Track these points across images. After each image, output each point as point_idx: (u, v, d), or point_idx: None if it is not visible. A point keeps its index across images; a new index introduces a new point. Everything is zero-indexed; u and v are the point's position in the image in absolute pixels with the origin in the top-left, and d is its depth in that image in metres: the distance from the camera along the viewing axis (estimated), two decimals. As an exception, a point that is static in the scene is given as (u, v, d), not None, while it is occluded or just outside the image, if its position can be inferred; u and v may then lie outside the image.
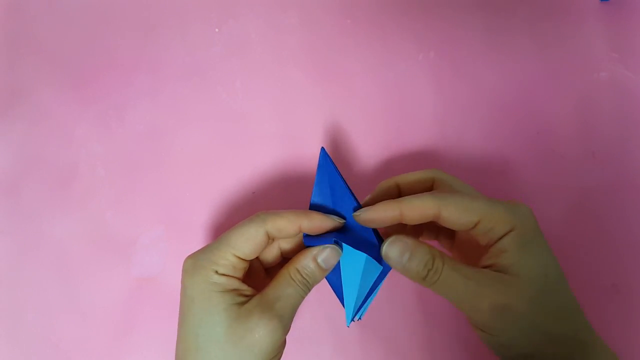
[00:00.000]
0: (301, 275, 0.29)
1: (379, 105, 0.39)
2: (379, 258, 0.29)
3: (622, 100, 0.38)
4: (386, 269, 0.30)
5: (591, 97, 0.39)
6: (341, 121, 0.39)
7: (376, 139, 0.39)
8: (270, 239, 0.29)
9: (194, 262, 0.28)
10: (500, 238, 0.27)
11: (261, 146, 0.39)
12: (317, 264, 0.29)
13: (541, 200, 0.37)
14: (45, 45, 0.42)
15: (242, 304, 0.28)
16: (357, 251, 0.29)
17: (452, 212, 0.28)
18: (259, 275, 0.32)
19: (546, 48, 0.40)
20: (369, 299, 0.31)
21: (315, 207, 0.31)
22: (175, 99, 0.40)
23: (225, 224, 0.38)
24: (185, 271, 0.29)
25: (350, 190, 0.31)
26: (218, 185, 0.38)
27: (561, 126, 0.38)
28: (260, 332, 0.27)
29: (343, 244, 0.30)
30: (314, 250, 0.29)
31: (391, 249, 0.28)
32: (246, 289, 0.29)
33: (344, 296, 0.30)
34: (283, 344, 0.29)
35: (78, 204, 0.38)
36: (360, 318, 0.31)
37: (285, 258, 0.32)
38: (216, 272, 0.28)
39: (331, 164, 0.31)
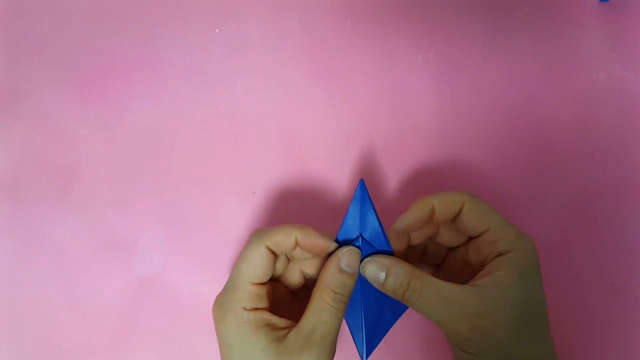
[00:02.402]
0: (333, 291, 0.28)
1: (379, 105, 0.39)
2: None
3: (621, 101, 0.39)
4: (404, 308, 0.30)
5: (590, 97, 0.39)
6: (341, 121, 0.39)
7: (376, 139, 0.39)
8: (274, 255, 0.29)
9: (220, 307, 0.28)
10: (499, 255, 0.28)
11: (261, 146, 0.39)
12: (344, 271, 0.28)
13: (540, 200, 0.37)
14: (46, 46, 0.42)
15: (280, 339, 0.27)
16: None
17: (473, 211, 0.29)
18: (286, 302, 0.31)
19: (545, 48, 0.40)
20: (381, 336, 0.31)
21: (341, 242, 0.30)
22: (176, 99, 0.40)
23: (226, 224, 0.38)
24: (217, 320, 0.28)
25: (384, 233, 0.30)
26: (218, 185, 0.38)
27: (560, 126, 0.38)
28: None
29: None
30: (335, 260, 0.29)
31: (367, 268, 0.29)
32: (278, 320, 0.28)
33: (364, 331, 0.30)
34: None
35: (79, 204, 0.38)
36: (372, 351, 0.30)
37: (311, 282, 0.32)
38: (244, 308, 0.27)
39: (368, 197, 0.30)
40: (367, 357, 0.30)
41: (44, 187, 0.39)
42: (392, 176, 0.38)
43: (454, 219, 0.30)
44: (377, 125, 0.39)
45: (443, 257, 0.33)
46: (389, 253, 0.30)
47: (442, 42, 0.40)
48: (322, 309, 0.27)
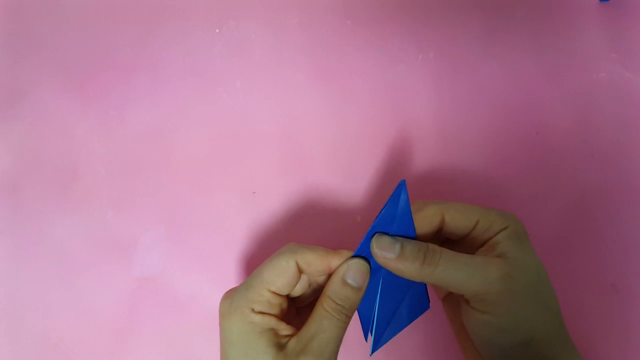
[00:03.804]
0: (334, 302, 0.27)
1: (379, 105, 0.39)
2: (423, 298, 0.30)
3: (621, 101, 0.39)
4: (424, 308, 0.31)
5: (590, 97, 0.39)
6: (341, 121, 0.39)
7: (376, 140, 0.39)
8: (300, 272, 0.28)
9: (231, 302, 0.28)
10: (496, 234, 0.29)
11: (261, 146, 0.39)
12: (348, 284, 0.27)
13: (540, 200, 0.37)
14: (46, 45, 0.42)
15: (281, 346, 0.27)
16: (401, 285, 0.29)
17: (455, 215, 0.29)
18: (292, 318, 0.31)
19: (545, 48, 0.40)
20: (394, 333, 0.30)
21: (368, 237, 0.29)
22: (176, 99, 0.40)
23: (225, 224, 0.38)
24: (223, 314, 0.28)
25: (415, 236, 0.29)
26: (218, 185, 0.38)
27: (560, 126, 0.38)
28: None
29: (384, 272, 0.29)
30: (340, 272, 0.28)
31: (379, 243, 0.27)
32: (284, 327, 0.28)
33: (375, 326, 0.29)
34: None
35: (78, 204, 0.38)
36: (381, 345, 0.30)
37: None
38: (252, 310, 0.27)
39: (408, 202, 0.28)
40: (372, 353, 0.30)
41: (44, 187, 0.39)
42: (392, 176, 0.38)
43: (440, 229, 0.30)
44: (377, 125, 0.39)
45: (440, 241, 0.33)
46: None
47: (442, 42, 0.40)
48: (322, 318, 0.27)
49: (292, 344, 0.27)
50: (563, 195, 0.37)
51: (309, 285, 0.31)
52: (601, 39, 0.40)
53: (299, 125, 0.39)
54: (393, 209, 0.28)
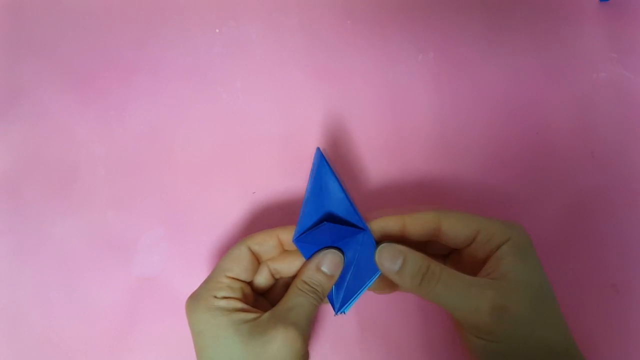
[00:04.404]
0: (309, 285, 0.29)
1: (379, 105, 0.39)
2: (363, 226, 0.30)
3: (621, 101, 0.39)
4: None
5: (590, 97, 0.39)
6: (341, 122, 0.39)
7: (376, 140, 0.39)
8: (257, 259, 0.30)
9: (192, 298, 0.29)
10: (498, 248, 0.28)
11: (261, 146, 0.39)
12: (322, 272, 0.29)
13: (540, 200, 0.37)
14: (46, 46, 0.42)
15: (254, 319, 0.27)
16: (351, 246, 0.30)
17: (453, 224, 0.28)
18: (253, 303, 0.31)
19: (545, 48, 0.40)
20: (357, 295, 0.30)
21: (308, 212, 0.30)
22: (176, 99, 0.40)
23: (226, 224, 0.38)
24: (188, 311, 0.28)
25: (347, 194, 0.30)
26: (218, 185, 0.38)
27: (560, 126, 0.38)
28: (279, 343, 0.26)
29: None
30: (315, 260, 0.29)
31: (382, 254, 0.28)
32: (250, 308, 0.28)
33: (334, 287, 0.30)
34: (306, 356, 0.28)
35: (79, 204, 0.38)
36: (344, 311, 0.30)
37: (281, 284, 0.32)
38: (215, 296, 0.28)
39: (327, 165, 0.30)
40: (337, 312, 0.30)
41: (44, 187, 0.39)
42: (392, 176, 0.38)
43: (436, 236, 0.30)
44: (377, 125, 0.39)
45: (443, 257, 0.33)
46: (363, 225, 0.30)
47: (442, 42, 0.40)
48: (297, 295, 0.28)
49: (267, 316, 0.27)
50: (563, 195, 0.37)
51: (272, 276, 0.32)
52: (601, 39, 0.40)
53: (299, 125, 0.39)
54: (317, 178, 0.30)
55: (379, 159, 0.38)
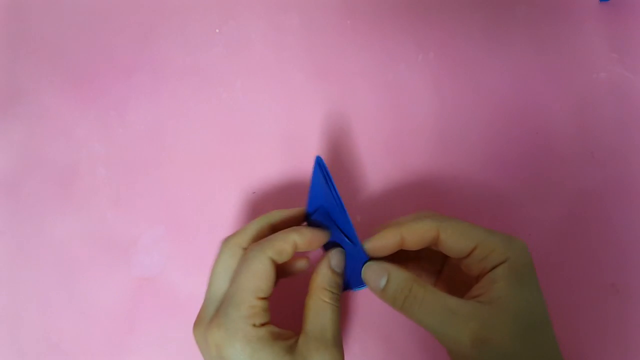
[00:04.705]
0: (329, 291, 0.28)
1: (379, 105, 0.39)
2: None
3: (621, 101, 0.39)
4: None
5: (590, 97, 0.39)
6: (341, 122, 0.39)
7: (375, 140, 0.39)
8: (275, 265, 0.28)
9: (223, 328, 0.26)
10: (493, 268, 0.27)
11: (261, 146, 0.39)
12: (334, 271, 0.29)
13: (540, 200, 0.37)
14: (46, 45, 0.42)
15: (292, 348, 0.26)
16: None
17: (451, 236, 0.27)
18: None
19: (545, 48, 0.40)
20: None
21: (313, 218, 0.31)
22: (176, 99, 0.40)
23: (225, 224, 0.38)
24: (217, 345, 0.26)
25: (344, 210, 0.29)
26: (218, 185, 0.38)
27: (560, 126, 0.38)
28: None
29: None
30: (326, 262, 0.29)
31: (368, 272, 0.28)
32: (283, 331, 0.27)
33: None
34: None
35: (78, 204, 0.38)
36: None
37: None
38: (254, 325, 0.26)
39: (324, 176, 0.29)
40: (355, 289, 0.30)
41: (44, 187, 0.39)
42: (393, 176, 0.38)
43: (435, 245, 0.29)
44: (377, 125, 0.39)
45: (441, 263, 0.32)
46: (355, 239, 0.29)
47: (442, 42, 0.40)
48: (324, 310, 0.27)
49: (302, 343, 0.26)
50: (563, 195, 0.37)
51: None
52: (601, 39, 0.40)
53: (299, 125, 0.39)
54: (316, 185, 0.30)
55: (379, 159, 0.38)
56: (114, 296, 0.37)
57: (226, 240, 0.29)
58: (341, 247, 0.30)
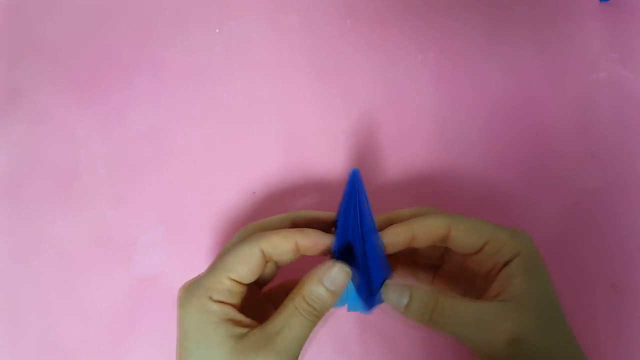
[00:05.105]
0: (307, 303, 0.26)
1: (379, 105, 0.39)
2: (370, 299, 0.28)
3: (621, 101, 0.39)
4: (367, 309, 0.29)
5: (590, 97, 0.39)
6: (340, 121, 0.39)
7: (376, 140, 0.39)
8: (266, 259, 0.27)
9: (187, 291, 0.26)
10: (507, 263, 0.27)
11: (261, 146, 0.39)
12: (325, 287, 0.26)
13: (540, 200, 0.37)
14: (46, 46, 0.42)
15: (240, 337, 0.25)
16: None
17: (462, 232, 0.27)
18: (257, 302, 0.30)
19: (545, 48, 0.40)
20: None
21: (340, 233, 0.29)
22: (176, 100, 0.40)
23: (225, 224, 0.38)
24: (179, 303, 0.26)
25: (374, 225, 0.29)
26: (218, 185, 0.38)
27: (560, 126, 0.38)
28: None
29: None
30: (319, 272, 0.26)
31: (388, 293, 0.27)
32: (243, 318, 0.26)
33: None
34: None
35: (79, 204, 0.38)
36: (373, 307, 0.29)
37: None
38: (210, 298, 0.26)
39: (359, 192, 0.29)
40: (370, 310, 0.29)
41: (44, 187, 0.39)
42: (392, 176, 0.38)
43: (444, 242, 0.29)
44: (377, 125, 0.39)
45: (439, 259, 0.32)
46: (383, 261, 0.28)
47: (443, 42, 0.40)
48: (291, 316, 0.26)
49: (254, 336, 0.25)
50: (563, 195, 0.37)
51: (276, 266, 0.30)
52: (601, 39, 0.40)
53: (299, 125, 0.39)
54: (351, 196, 0.28)
55: (379, 158, 0.38)
56: (114, 296, 0.37)
57: (245, 227, 0.29)
58: (348, 264, 0.28)
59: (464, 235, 0.27)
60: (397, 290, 0.27)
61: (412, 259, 0.33)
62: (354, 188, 0.29)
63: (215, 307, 0.26)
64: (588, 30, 0.40)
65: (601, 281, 0.36)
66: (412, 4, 0.41)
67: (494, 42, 0.40)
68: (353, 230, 0.28)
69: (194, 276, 0.28)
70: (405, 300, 0.27)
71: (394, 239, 0.28)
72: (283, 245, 0.27)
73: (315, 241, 0.28)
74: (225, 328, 0.25)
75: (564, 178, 0.37)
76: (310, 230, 0.28)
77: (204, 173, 0.39)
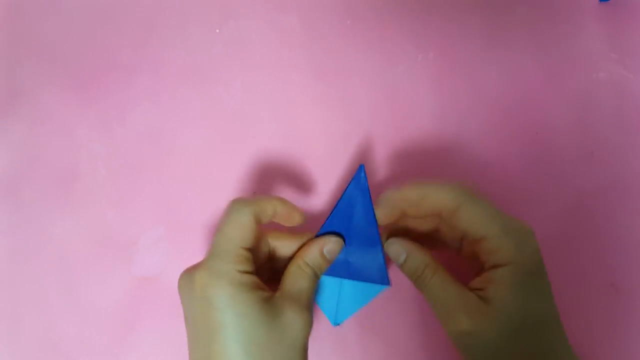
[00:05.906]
0: (310, 267, 0.30)
1: (378, 105, 0.39)
2: (382, 278, 0.31)
3: (620, 101, 0.39)
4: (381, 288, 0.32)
5: (590, 97, 0.39)
6: (340, 121, 0.39)
7: (375, 140, 0.39)
8: (256, 223, 0.29)
9: (210, 271, 0.27)
10: (494, 266, 0.27)
11: (261, 146, 0.39)
12: (323, 255, 0.31)
13: (540, 200, 0.37)
14: (46, 46, 0.42)
15: (268, 299, 0.27)
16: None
17: (469, 214, 0.28)
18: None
19: (545, 48, 0.40)
20: (356, 308, 0.32)
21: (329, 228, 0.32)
22: (176, 100, 0.40)
23: (226, 224, 0.38)
24: (203, 285, 0.27)
25: (377, 224, 0.31)
26: (218, 185, 0.38)
27: (560, 126, 0.38)
28: (297, 326, 0.27)
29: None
30: (320, 242, 0.31)
31: (389, 248, 0.31)
32: (263, 284, 0.28)
33: (322, 299, 0.32)
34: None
35: (79, 204, 0.39)
36: (339, 323, 0.32)
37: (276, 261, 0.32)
38: (238, 271, 0.27)
39: (367, 188, 0.31)
40: (335, 324, 0.32)
41: (44, 187, 0.39)
42: (392, 177, 0.38)
43: (450, 216, 0.29)
44: (377, 125, 0.39)
45: (459, 241, 0.32)
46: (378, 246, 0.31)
47: (442, 43, 0.40)
48: (302, 278, 0.30)
49: (280, 297, 0.28)
50: (563, 195, 0.37)
51: (269, 253, 0.32)
52: (601, 39, 0.40)
53: (299, 125, 0.39)
54: (354, 191, 0.31)
55: (378, 158, 0.38)
56: (114, 296, 0.37)
57: (235, 203, 0.30)
58: (341, 237, 0.31)
59: (470, 217, 0.28)
60: (399, 248, 0.30)
61: (434, 240, 0.33)
62: (358, 182, 0.32)
63: (245, 277, 0.27)
64: (588, 30, 0.40)
65: (600, 281, 0.36)
66: (411, 5, 0.41)
67: (493, 42, 0.40)
68: (348, 221, 0.31)
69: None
70: (402, 258, 0.30)
71: (403, 194, 0.30)
72: (268, 210, 0.30)
73: (291, 212, 0.31)
74: (258, 294, 0.27)
75: (564, 178, 0.37)
76: (288, 201, 0.31)
77: (203, 173, 0.39)
